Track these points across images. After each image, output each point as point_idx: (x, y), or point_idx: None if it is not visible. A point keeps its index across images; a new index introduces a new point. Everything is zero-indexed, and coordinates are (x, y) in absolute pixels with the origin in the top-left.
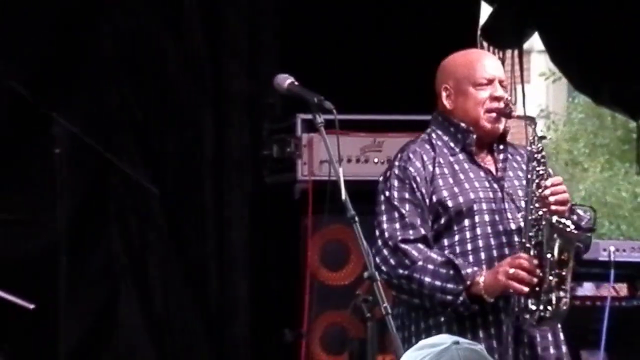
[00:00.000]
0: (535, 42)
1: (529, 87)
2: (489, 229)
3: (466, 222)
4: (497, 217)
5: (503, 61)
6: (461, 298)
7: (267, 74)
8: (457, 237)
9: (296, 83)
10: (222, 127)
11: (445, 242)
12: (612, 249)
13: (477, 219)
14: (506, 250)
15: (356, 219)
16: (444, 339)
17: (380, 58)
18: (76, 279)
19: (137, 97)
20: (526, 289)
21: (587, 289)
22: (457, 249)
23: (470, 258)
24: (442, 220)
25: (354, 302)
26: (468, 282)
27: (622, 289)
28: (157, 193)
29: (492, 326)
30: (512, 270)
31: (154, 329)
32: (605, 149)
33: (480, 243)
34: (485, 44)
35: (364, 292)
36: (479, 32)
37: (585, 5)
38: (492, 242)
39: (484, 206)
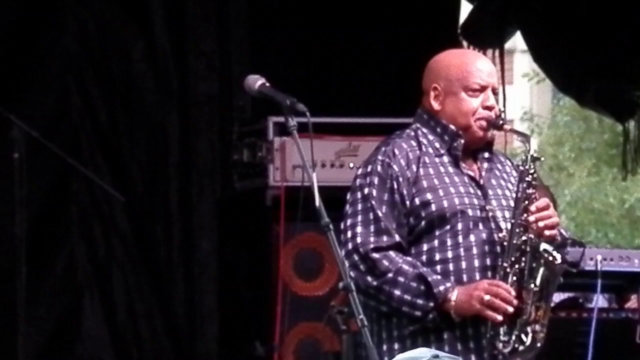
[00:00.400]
0: (518, 41)
1: (512, 88)
2: (472, 237)
3: (448, 227)
4: (481, 225)
5: None
6: (430, 316)
7: (237, 75)
8: (437, 242)
9: (267, 84)
10: (189, 130)
11: (425, 246)
12: (599, 258)
13: (460, 225)
14: (488, 261)
15: (331, 226)
16: (423, 353)
17: (356, 58)
18: (36, 288)
19: (101, 100)
20: (500, 318)
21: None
22: (437, 256)
23: (450, 266)
24: (423, 223)
25: (329, 314)
26: (439, 300)
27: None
28: (122, 199)
29: (471, 340)
30: (487, 297)
31: (118, 340)
32: (592, 153)
33: (462, 251)
34: (465, 44)
35: (339, 303)
36: (459, 31)
37: (568, 3)
38: (475, 250)
39: (470, 212)
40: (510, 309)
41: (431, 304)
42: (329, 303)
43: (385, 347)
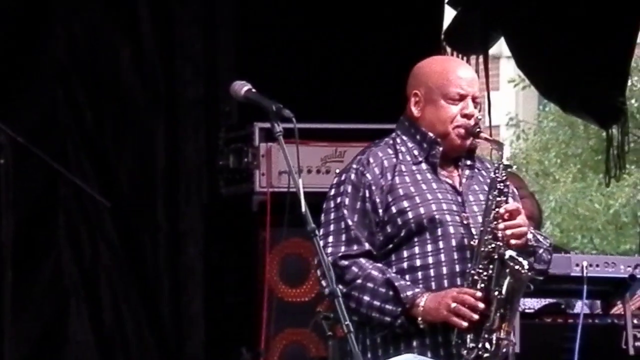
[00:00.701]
0: (503, 47)
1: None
2: (452, 243)
3: (428, 233)
4: (461, 231)
5: None
6: (399, 321)
7: (223, 81)
8: (417, 249)
9: (254, 90)
10: (176, 135)
11: (405, 253)
12: (584, 264)
13: (439, 231)
14: (457, 267)
15: (317, 232)
16: (407, 358)
17: (341, 64)
18: (23, 293)
19: (88, 105)
20: (465, 324)
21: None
22: (418, 262)
23: (431, 272)
24: (403, 232)
25: (315, 320)
26: (407, 305)
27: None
28: (109, 205)
29: (441, 347)
30: (454, 305)
31: (104, 345)
32: (578, 159)
33: (443, 257)
34: (449, 49)
35: (324, 309)
36: (442, 37)
37: (552, 9)
38: (455, 255)
39: (448, 218)
40: (476, 317)
41: (399, 309)
42: (315, 309)
43: (369, 355)
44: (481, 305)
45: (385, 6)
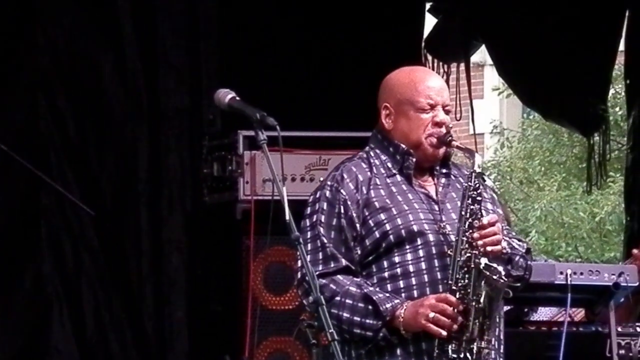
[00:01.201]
0: (487, 55)
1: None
2: (433, 251)
3: (407, 244)
4: (440, 238)
5: (448, 75)
6: (381, 334)
7: (207, 89)
8: (397, 259)
9: (238, 98)
10: (159, 144)
11: (385, 263)
12: (569, 272)
13: (419, 240)
14: (438, 275)
15: (301, 240)
16: None
17: (324, 72)
18: (5, 303)
19: (70, 114)
20: (444, 333)
21: (543, 313)
22: (399, 270)
23: (413, 280)
24: (383, 245)
25: (299, 328)
26: (387, 318)
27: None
28: (92, 214)
29: (425, 355)
30: (432, 315)
31: (87, 354)
32: (562, 167)
33: (424, 265)
34: (430, 57)
35: (308, 317)
36: (423, 45)
37: (533, 17)
38: (436, 263)
39: (426, 227)
40: (455, 327)
41: (379, 323)
42: (298, 317)
43: None
44: (460, 318)
45: (367, 14)
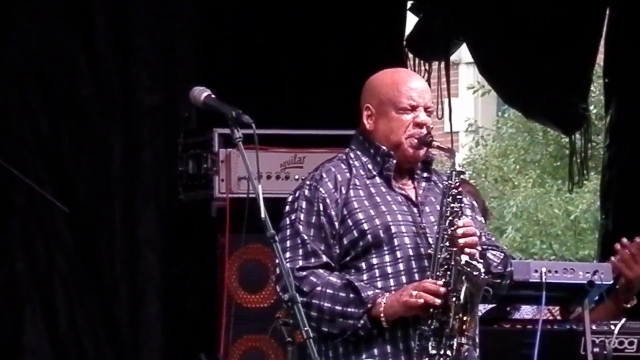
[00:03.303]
0: (463, 53)
1: (457, 100)
2: (410, 252)
3: (385, 245)
4: (417, 241)
5: (429, 73)
6: (362, 321)
7: (182, 87)
8: (375, 261)
9: (213, 96)
10: (133, 142)
11: (363, 265)
12: (543, 270)
13: (396, 241)
14: (417, 277)
15: (276, 238)
16: None
17: (302, 70)
18: None
19: (43, 111)
20: (421, 301)
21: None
22: (377, 272)
23: (391, 282)
24: (360, 244)
25: (274, 326)
26: (369, 305)
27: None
28: (67, 211)
29: (403, 353)
30: (415, 293)
31: (60, 354)
32: (537, 165)
33: (402, 266)
34: (411, 56)
35: (284, 315)
36: (404, 43)
37: (514, 16)
38: (414, 265)
39: (403, 229)
40: (438, 301)
41: (361, 310)
42: (274, 315)
43: None
44: (442, 289)
45: (347, 12)
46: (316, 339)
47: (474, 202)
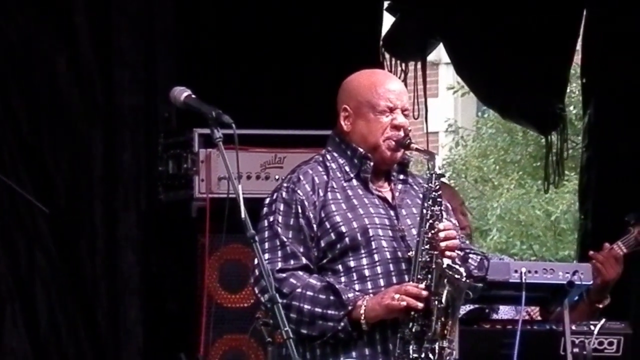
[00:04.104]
0: (443, 53)
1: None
2: (387, 255)
3: (362, 248)
4: (395, 244)
5: (406, 73)
6: (342, 324)
7: (162, 87)
8: (353, 263)
9: (193, 96)
10: (114, 142)
11: (341, 267)
12: (523, 270)
13: (374, 244)
14: (406, 278)
15: (256, 238)
16: None
17: (280, 70)
18: None
19: (24, 111)
20: (403, 304)
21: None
22: (354, 275)
23: (369, 284)
24: (338, 246)
25: (254, 326)
26: (350, 307)
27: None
28: (47, 211)
29: (381, 356)
30: (397, 296)
31: (40, 354)
32: (517, 165)
33: (379, 269)
34: (387, 56)
35: (264, 315)
36: (381, 44)
37: (491, 16)
38: (392, 268)
39: (380, 232)
40: (421, 305)
41: (342, 312)
42: (254, 315)
43: None
44: (424, 292)
45: (324, 12)
46: (295, 341)
47: (448, 204)
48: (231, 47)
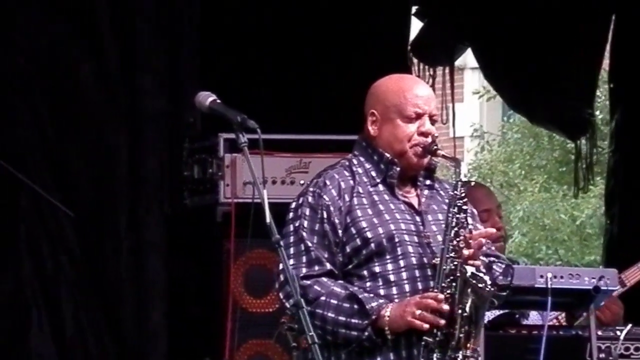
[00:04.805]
0: (468, 59)
1: (462, 105)
2: (413, 261)
3: (388, 254)
4: (421, 250)
5: (434, 78)
6: (366, 333)
7: (187, 92)
8: (378, 269)
9: (218, 101)
10: (139, 147)
11: (366, 273)
12: (549, 275)
13: (399, 250)
14: (432, 284)
15: (281, 243)
16: None
17: (307, 75)
18: None
19: (49, 116)
20: (426, 326)
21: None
22: (380, 281)
23: (394, 290)
24: (364, 252)
25: (279, 331)
26: (373, 317)
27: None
28: (72, 215)
29: (404, 349)
30: (418, 312)
31: (66, 358)
32: (542, 170)
33: (405, 275)
34: (415, 61)
35: (289, 320)
36: (409, 49)
37: (520, 21)
38: (418, 274)
39: (406, 238)
40: (442, 322)
41: (366, 322)
42: (279, 320)
43: None
44: (445, 307)
45: (352, 18)
46: (320, 345)
47: (474, 210)
48: (257, 52)
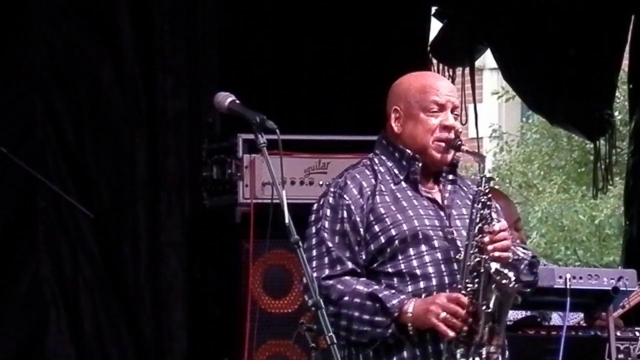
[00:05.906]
0: (487, 59)
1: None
2: (439, 256)
3: (412, 249)
4: (447, 244)
5: (453, 79)
6: (390, 330)
7: (206, 92)
8: (403, 265)
9: (237, 101)
10: (158, 147)
11: (390, 269)
12: (568, 276)
13: (424, 246)
14: (458, 278)
15: (300, 243)
16: None
17: (325, 76)
18: (1, 307)
19: (68, 117)
20: (452, 334)
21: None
22: (407, 277)
23: (421, 284)
24: (388, 250)
25: (298, 331)
26: (395, 314)
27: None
28: (91, 216)
29: (432, 357)
30: (443, 315)
31: (84, 357)
32: (561, 171)
33: (431, 269)
34: (435, 61)
35: (308, 321)
36: (428, 49)
37: (538, 21)
38: (444, 268)
39: (431, 233)
40: (465, 328)
41: (389, 320)
42: (298, 320)
43: None
44: (470, 319)
45: (372, 18)
46: (347, 344)
47: (498, 206)
48: (275, 52)
